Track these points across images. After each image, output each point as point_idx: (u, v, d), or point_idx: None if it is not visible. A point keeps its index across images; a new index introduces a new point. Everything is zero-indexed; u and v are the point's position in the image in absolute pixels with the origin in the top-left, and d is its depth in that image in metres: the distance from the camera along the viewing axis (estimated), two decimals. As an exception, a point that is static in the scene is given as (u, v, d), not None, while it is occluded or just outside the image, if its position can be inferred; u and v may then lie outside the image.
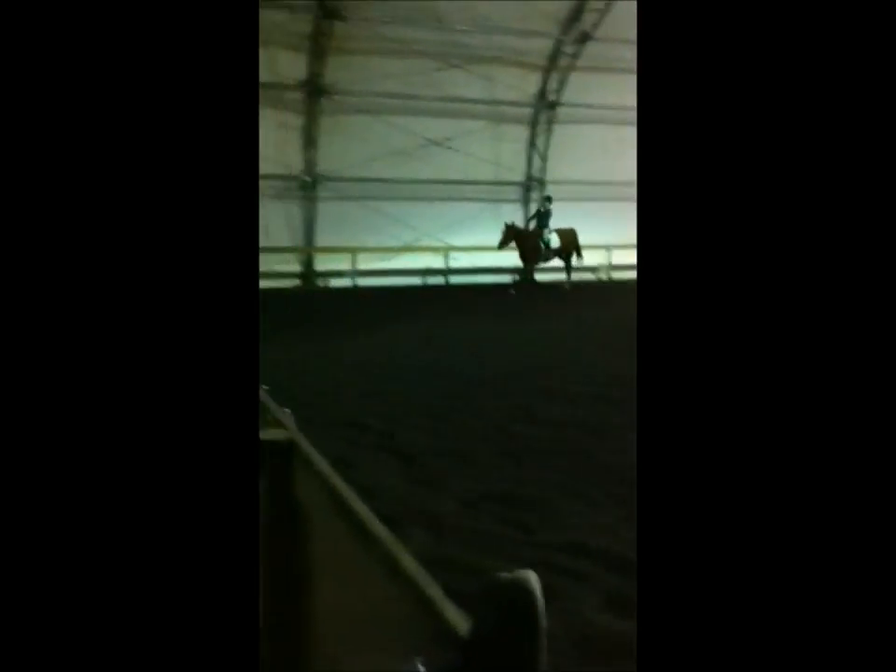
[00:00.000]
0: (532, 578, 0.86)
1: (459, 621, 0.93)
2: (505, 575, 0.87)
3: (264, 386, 2.84)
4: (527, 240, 16.62)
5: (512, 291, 16.23)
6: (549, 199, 16.99)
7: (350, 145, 15.94)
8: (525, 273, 17.10)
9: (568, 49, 17.04)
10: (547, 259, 16.97)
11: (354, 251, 16.35)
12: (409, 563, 1.10)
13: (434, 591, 1.00)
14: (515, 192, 18.52)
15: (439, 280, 17.47)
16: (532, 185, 18.39)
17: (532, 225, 16.92)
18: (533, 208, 18.60)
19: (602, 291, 16.62)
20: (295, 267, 16.68)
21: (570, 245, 16.95)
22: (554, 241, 16.79)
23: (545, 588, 0.82)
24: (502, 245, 16.16)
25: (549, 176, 18.23)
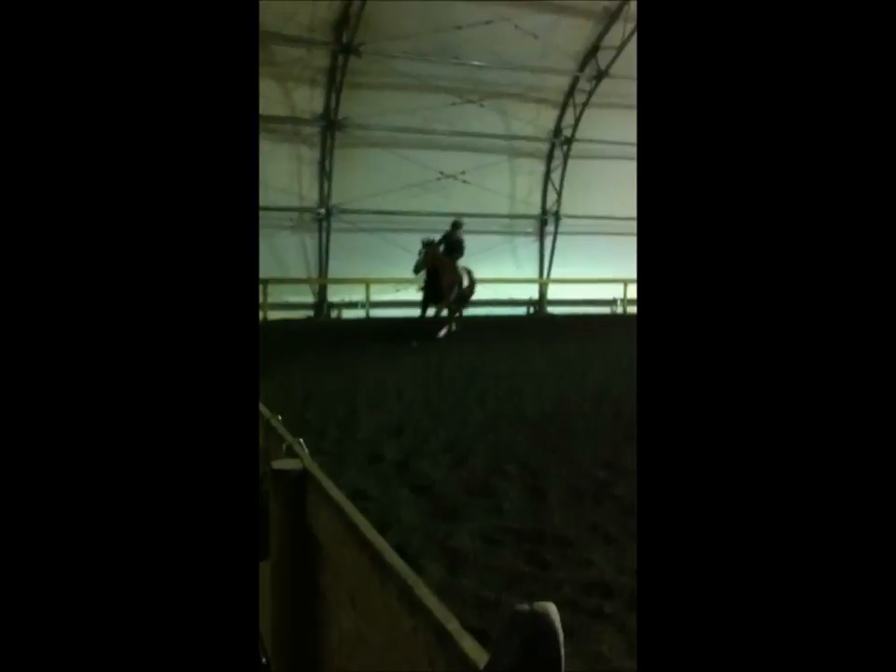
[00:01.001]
0: (551, 610, 0.85)
1: (477, 653, 0.92)
2: (524, 607, 0.86)
3: (278, 416, 2.84)
4: (448, 271, 13.05)
5: (414, 343, 12.42)
6: (458, 224, 13.56)
7: (365, 177, 16.07)
8: (427, 312, 13.40)
9: (584, 85, 17.20)
10: (459, 299, 13.60)
11: (367, 282, 16.41)
12: (426, 595, 1.09)
13: (452, 623, 0.99)
14: (530, 225, 18.59)
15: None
16: (547, 219, 18.46)
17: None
18: (548, 242, 18.59)
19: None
20: (308, 298, 16.76)
21: (472, 285, 13.88)
22: (465, 279, 13.58)
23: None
24: (419, 269, 12.96)
25: (564, 210, 18.30)
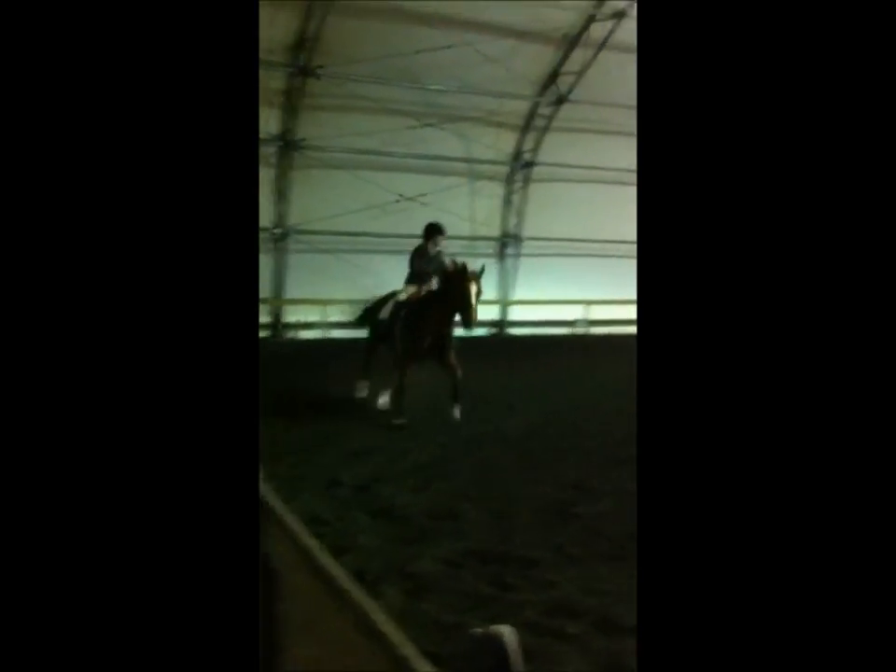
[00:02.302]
0: (507, 632, 0.84)
1: (433, 679, 0.90)
2: (479, 630, 0.85)
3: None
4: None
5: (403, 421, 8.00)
6: (439, 229, 9.06)
7: (323, 198, 16.02)
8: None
9: (544, 110, 17.41)
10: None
11: (325, 303, 16.34)
12: (382, 621, 1.08)
13: (408, 648, 0.98)
14: (491, 248, 18.69)
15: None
16: (507, 241, 18.58)
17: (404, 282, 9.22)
18: (510, 263, 18.66)
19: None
20: (263, 318, 16.64)
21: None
22: None
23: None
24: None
25: (525, 233, 18.44)
